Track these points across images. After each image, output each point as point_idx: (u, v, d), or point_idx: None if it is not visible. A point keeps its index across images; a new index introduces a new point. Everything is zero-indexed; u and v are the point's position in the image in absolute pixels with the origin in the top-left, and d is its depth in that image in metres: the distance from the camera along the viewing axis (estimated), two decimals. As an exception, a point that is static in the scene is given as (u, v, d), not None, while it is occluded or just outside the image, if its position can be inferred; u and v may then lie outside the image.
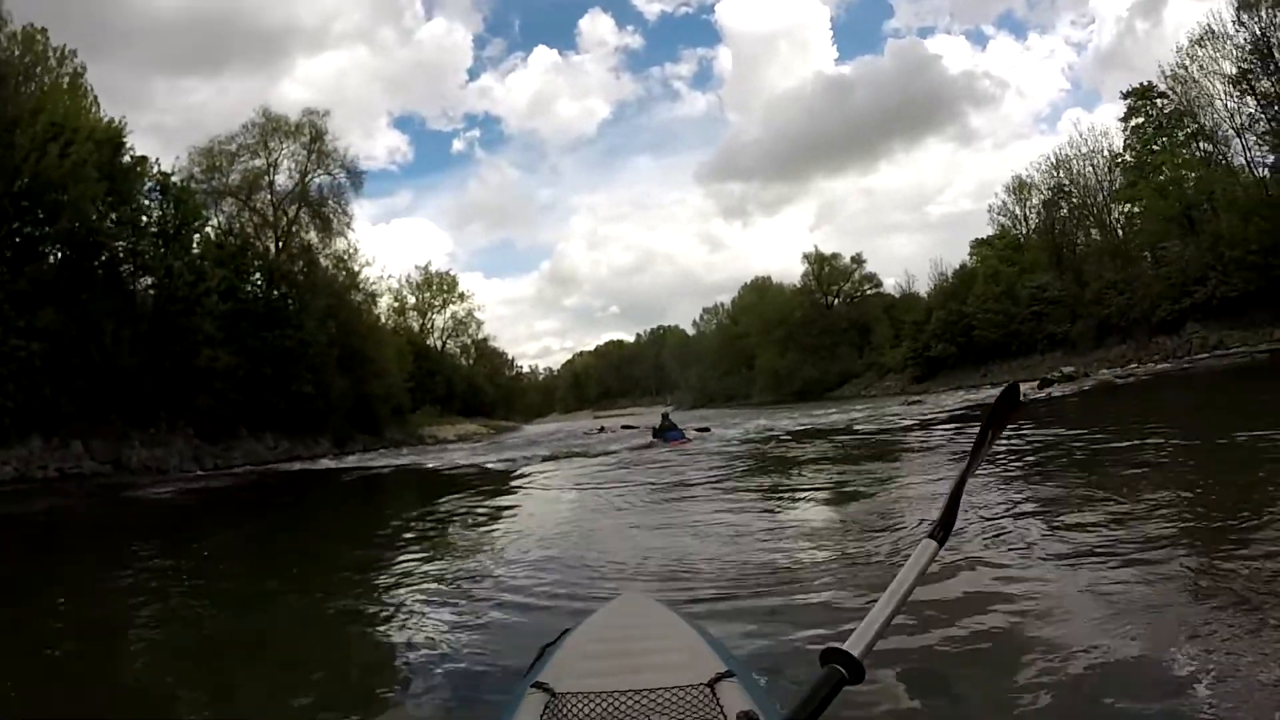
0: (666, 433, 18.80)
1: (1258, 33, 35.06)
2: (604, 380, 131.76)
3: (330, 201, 38.70)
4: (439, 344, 75.20)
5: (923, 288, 65.02)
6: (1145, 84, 43.16)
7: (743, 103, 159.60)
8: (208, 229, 32.86)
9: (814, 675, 1.02)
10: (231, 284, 30.69)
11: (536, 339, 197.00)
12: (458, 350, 79.47)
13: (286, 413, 31.41)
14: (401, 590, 5.37)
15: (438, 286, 75.72)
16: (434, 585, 5.47)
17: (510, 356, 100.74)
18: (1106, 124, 45.96)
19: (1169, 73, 40.40)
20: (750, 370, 78.75)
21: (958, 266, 55.56)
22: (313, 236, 38.62)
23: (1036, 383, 24.58)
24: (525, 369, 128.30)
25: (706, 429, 21.39)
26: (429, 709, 3.17)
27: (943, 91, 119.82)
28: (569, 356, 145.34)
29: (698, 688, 1.41)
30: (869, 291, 75.18)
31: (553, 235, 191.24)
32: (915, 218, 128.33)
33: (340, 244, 39.99)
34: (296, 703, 3.43)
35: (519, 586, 4.98)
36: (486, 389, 78.67)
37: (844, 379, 66.92)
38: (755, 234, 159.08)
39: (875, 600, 1.13)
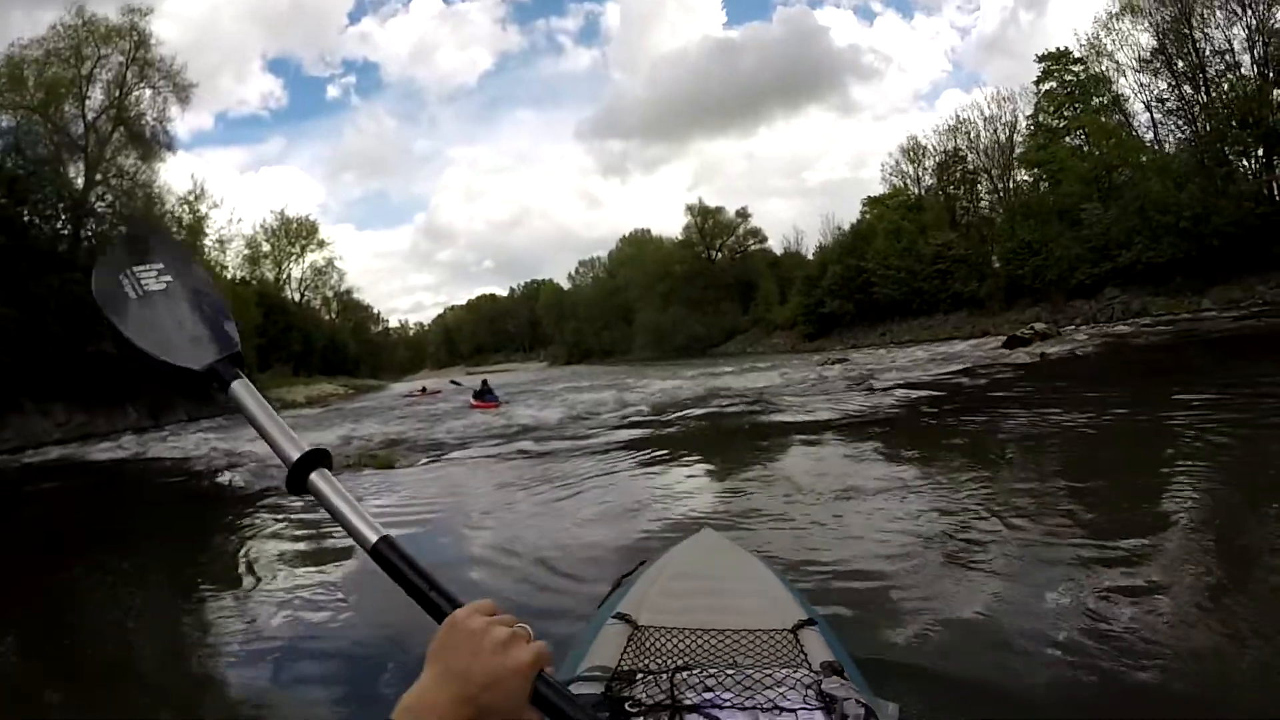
0: (484, 395, 20.79)
1: (1178, 13, 35.00)
2: (477, 335, 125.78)
3: (149, 119, 31.86)
4: (296, 297, 68.02)
5: (811, 245, 64.79)
6: (1060, 49, 43.01)
7: (628, 61, 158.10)
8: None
9: None
10: (8, 213, 24.20)
11: (410, 293, 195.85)
12: (318, 303, 72.40)
13: (82, 379, 25.35)
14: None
15: (295, 233, 67.76)
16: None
17: (378, 311, 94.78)
18: (1012, 88, 45.17)
19: (1085, 41, 40.64)
20: (629, 325, 75.45)
21: (848, 225, 54.08)
22: (131, 162, 31.82)
23: (1002, 340, 21.50)
24: (396, 324, 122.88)
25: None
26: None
27: (827, 62, 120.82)
28: (441, 311, 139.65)
29: (781, 633, 1.44)
30: (754, 247, 72.98)
31: (429, 187, 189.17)
32: (793, 183, 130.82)
33: (162, 171, 33.24)
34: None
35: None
36: (349, 345, 72.43)
37: (729, 335, 64.55)
38: (633, 192, 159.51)
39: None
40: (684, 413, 13.61)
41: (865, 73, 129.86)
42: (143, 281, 1.02)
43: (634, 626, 1.47)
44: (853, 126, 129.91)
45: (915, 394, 12.57)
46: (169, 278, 1.04)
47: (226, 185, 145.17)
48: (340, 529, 0.83)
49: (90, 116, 30.57)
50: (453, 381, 29.05)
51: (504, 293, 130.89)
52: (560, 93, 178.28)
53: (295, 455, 0.86)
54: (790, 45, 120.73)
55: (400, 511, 7.04)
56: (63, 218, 27.29)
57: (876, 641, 3.07)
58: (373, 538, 0.81)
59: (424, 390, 32.74)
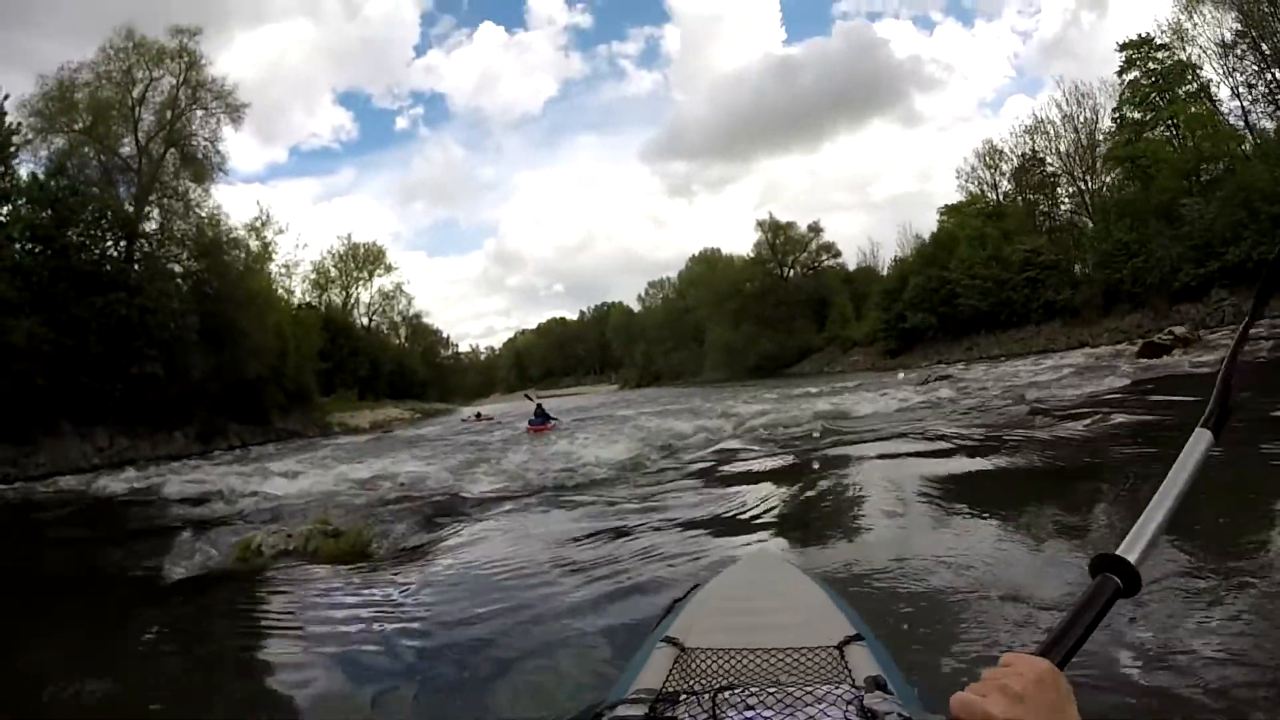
0: (539, 419, 20.55)
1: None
2: (547, 359, 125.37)
3: (201, 140, 31.36)
4: (365, 321, 68.06)
5: (888, 257, 62.70)
6: (1143, 35, 40.05)
7: (689, 82, 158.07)
8: (27, 168, 25.70)
9: (1086, 588, 0.91)
10: (49, 233, 23.63)
11: (481, 318, 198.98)
12: (386, 328, 72.36)
13: (126, 402, 24.56)
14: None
15: (363, 258, 67.88)
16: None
17: (447, 335, 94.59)
18: (1090, 82, 42.25)
19: (1167, 26, 38.27)
20: (700, 346, 73.33)
21: (926, 235, 51.56)
22: (183, 184, 31.37)
23: (1113, 348, 18.36)
24: (467, 349, 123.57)
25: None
26: (566, 661, 3.15)
27: (889, 74, 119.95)
28: (512, 335, 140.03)
29: (826, 650, 1.44)
30: (827, 262, 70.17)
31: (496, 214, 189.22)
32: (858, 198, 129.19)
33: (214, 191, 32.73)
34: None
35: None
36: (418, 369, 71.98)
37: (803, 354, 61.76)
38: (699, 212, 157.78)
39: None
40: (800, 455, 9.22)
41: (927, 83, 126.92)
42: None
43: (680, 649, 1.48)
44: (917, 138, 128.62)
45: (1111, 423, 8.41)
46: None
47: (301, 215, 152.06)
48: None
49: (143, 139, 30.17)
50: (526, 395, 28.65)
51: (574, 316, 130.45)
52: (623, 116, 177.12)
53: None
54: (851, 59, 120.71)
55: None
56: (109, 239, 26.63)
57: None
58: None
59: (478, 417, 31.60)
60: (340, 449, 22.81)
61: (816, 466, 7.92)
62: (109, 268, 25.57)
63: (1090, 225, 40.49)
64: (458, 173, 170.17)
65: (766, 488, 7.12)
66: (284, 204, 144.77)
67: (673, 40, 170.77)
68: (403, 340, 75.61)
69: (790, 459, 8.91)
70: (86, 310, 23.36)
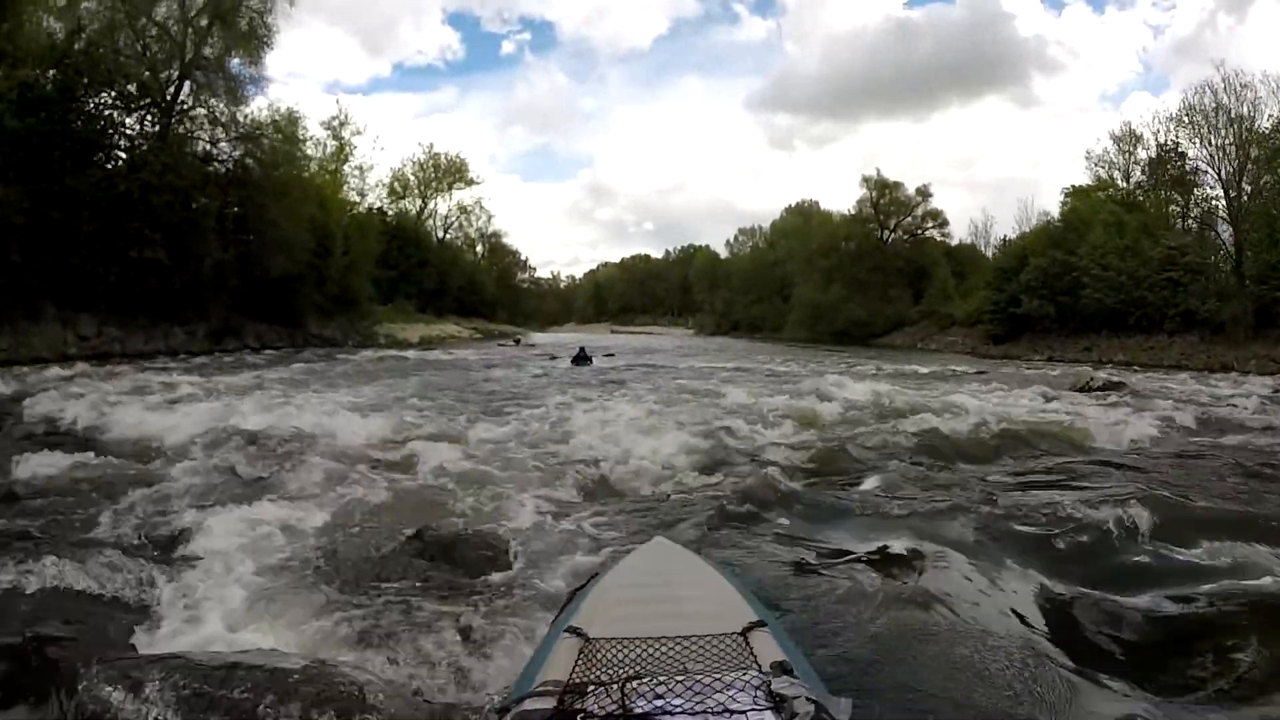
0: (580, 361, 21.07)
1: None
2: (626, 294, 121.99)
3: (248, 8, 28.04)
4: (440, 234, 65.67)
5: (997, 236, 58.43)
6: None
7: (803, 34, 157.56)
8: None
9: None
10: (45, 95, 20.79)
11: (568, 247, 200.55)
12: (462, 243, 69.93)
13: (124, 289, 21.99)
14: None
15: (446, 170, 65.01)
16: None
17: (525, 258, 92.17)
18: (1252, 73, 35.10)
19: None
20: (785, 301, 68.60)
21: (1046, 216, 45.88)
22: (232, 61, 28.39)
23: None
24: (548, 275, 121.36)
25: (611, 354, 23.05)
26: (458, 651, 2.96)
27: (1010, 51, 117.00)
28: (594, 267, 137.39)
29: (731, 636, 1.47)
30: (931, 229, 64.20)
31: (594, 146, 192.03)
32: (962, 175, 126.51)
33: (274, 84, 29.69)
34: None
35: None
36: (489, 288, 69.48)
37: (895, 325, 56.58)
38: (798, 167, 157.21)
39: None
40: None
41: (1049, 65, 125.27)
42: None
43: (585, 639, 1.46)
44: (1031, 121, 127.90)
45: None
46: None
47: (399, 129, 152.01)
48: None
49: (188, 8, 27.11)
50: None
51: (659, 255, 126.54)
52: (731, 62, 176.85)
53: None
54: (973, 30, 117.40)
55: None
56: (131, 110, 23.83)
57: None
58: None
59: (517, 342, 29.72)
60: (340, 366, 19.93)
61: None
62: (117, 138, 22.77)
63: (1230, 232, 34.54)
64: (559, 101, 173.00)
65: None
66: (383, 117, 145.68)
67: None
68: (479, 257, 73.39)
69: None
70: (83, 183, 20.66)
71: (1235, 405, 12.40)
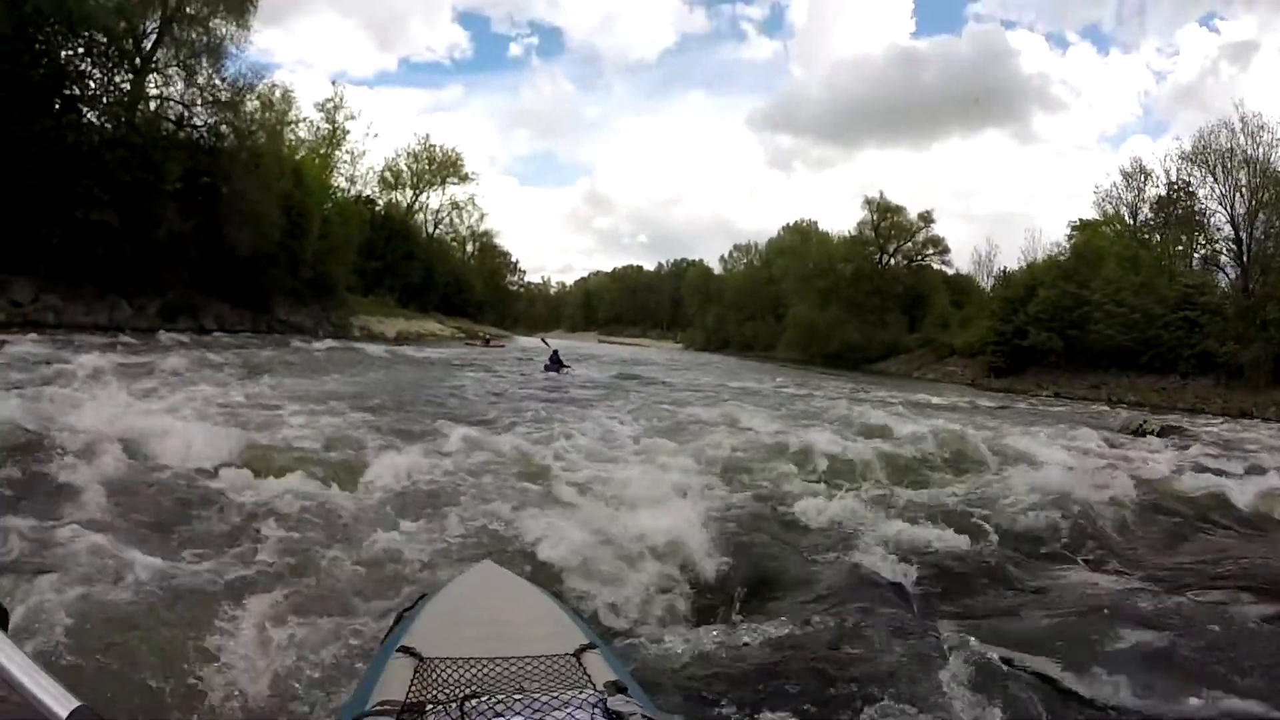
0: (554, 366, 20.92)
1: None
2: (616, 304, 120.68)
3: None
4: (430, 229, 63.82)
5: (998, 267, 57.70)
6: None
7: (809, 57, 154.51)
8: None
9: None
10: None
11: (563, 254, 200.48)
12: (451, 239, 68.12)
13: (69, 253, 20.00)
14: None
15: (438, 162, 63.19)
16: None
17: (516, 260, 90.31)
18: (1265, 116, 34.88)
19: None
20: (778, 320, 67.08)
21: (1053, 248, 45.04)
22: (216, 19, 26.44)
23: None
24: (538, 280, 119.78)
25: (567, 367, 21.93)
26: (285, 675, 2.78)
27: (1014, 86, 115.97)
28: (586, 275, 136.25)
29: (564, 657, 1.46)
30: (931, 256, 63.07)
31: (595, 154, 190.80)
32: (959, 206, 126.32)
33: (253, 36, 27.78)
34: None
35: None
36: (477, 288, 67.46)
37: (889, 351, 55.24)
38: (795, 189, 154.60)
39: None
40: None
41: (1051, 103, 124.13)
42: None
43: (419, 659, 1.43)
44: (1030, 157, 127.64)
45: None
46: None
47: (401, 124, 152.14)
48: None
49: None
50: (542, 339, 27.80)
51: (651, 267, 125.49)
52: (736, 79, 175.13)
53: None
54: (977, 64, 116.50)
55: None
56: (96, 59, 21.90)
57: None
58: (63, 713, 0.66)
59: (486, 342, 31.26)
60: (289, 355, 18.02)
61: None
62: (76, 89, 20.83)
63: (1238, 274, 34.03)
64: (563, 107, 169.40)
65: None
66: (386, 111, 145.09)
67: (799, 11, 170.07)
68: (468, 256, 71.51)
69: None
70: (26, 132, 18.69)
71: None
